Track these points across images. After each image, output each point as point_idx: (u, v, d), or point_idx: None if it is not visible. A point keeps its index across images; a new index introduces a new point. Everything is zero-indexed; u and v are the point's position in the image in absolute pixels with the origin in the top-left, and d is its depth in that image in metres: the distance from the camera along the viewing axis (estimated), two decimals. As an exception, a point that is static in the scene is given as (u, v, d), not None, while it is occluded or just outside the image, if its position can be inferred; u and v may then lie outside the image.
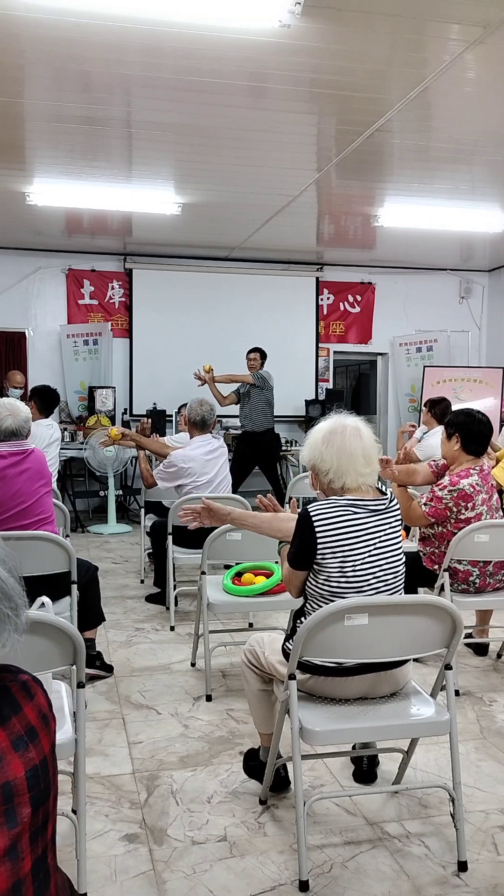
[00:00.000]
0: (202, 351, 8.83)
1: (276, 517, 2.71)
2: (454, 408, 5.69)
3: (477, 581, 3.56)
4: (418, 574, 3.66)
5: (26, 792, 0.90)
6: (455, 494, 3.51)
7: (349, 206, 6.90)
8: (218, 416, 5.47)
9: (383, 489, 2.37)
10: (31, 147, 5.32)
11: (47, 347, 8.73)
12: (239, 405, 7.75)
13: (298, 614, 2.47)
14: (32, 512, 3.36)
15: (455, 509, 3.52)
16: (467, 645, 4.08)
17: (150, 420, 5.70)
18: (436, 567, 3.64)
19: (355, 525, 2.24)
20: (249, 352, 7.68)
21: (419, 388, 8.97)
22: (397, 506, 2.38)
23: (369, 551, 2.25)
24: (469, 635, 4.04)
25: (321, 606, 2.23)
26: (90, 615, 3.64)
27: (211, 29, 3.48)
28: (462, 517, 3.53)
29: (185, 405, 5.23)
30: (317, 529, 2.23)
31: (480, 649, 4.07)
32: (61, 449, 6.61)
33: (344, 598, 2.22)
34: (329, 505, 2.26)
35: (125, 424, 8.57)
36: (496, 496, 3.68)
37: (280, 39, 3.58)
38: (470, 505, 3.52)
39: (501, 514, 3.72)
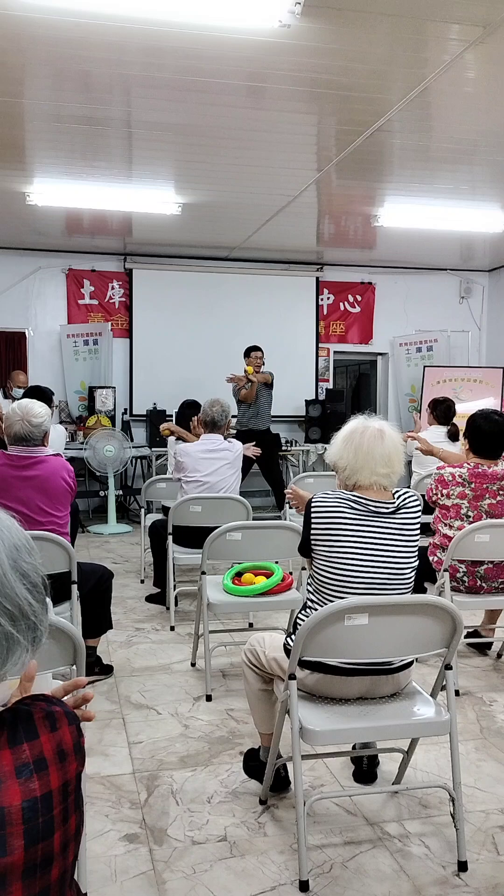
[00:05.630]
0: (202, 351, 8.85)
1: None
2: (457, 408, 5.71)
3: (488, 575, 3.55)
4: (424, 570, 3.67)
5: (20, 823, 0.85)
6: (435, 478, 3.68)
7: (349, 206, 6.90)
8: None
9: (401, 492, 2.37)
10: (31, 147, 5.32)
11: (47, 347, 8.73)
12: (242, 404, 7.72)
13: (301, 607, 2.48)
14: (35, 520, 3.20)
15: (434, 493, 3.68)
16: (470, 645, 4.07)
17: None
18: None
19: (349, 521, 2.26)
20: (255, 350, 7.65)
21: (419, 388, 8.97)
22: (406, 513, 2.32)
23: (358, 550, 2.25)
24: (476, 633, 4.04)
25: (315, 597, 2.31)
26: (100, 622, 3.61)
27: (211, 29, 3.48)
28: (440, 503, 3.67)
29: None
30: (312, 516, 2.30)
31: (482, 648, 4.06)
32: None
33: (331, 590, 2.26)
34: (331, 496, 2.31)
35: (125, 424, 8.60)
36: (498, 500, 3.61)
37: (280, 39, 3.58)
38: (446, 493, 3.61)
39: None
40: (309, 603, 2.37)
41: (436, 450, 4.57)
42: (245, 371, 7.55)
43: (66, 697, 1.26)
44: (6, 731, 0.90)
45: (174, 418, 7.20)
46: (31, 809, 0.87)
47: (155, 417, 8.27)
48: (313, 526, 2.30)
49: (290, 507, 6.31)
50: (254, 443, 4.82)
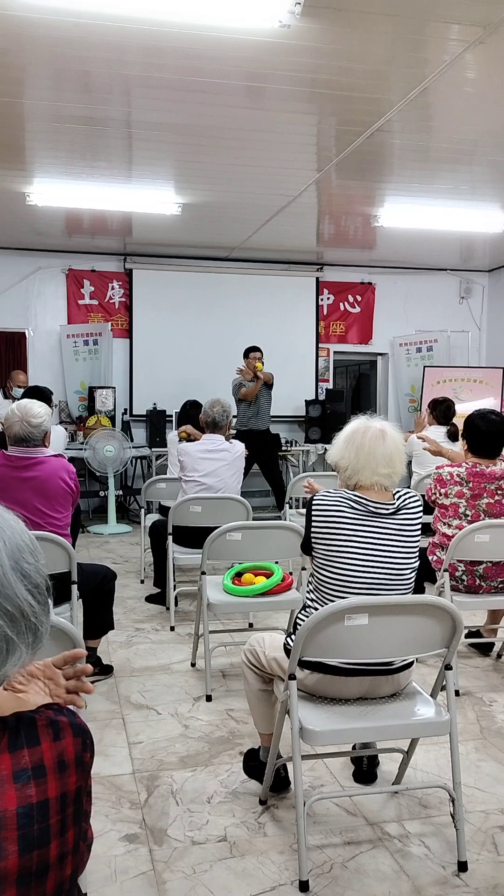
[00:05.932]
0: (202, 351, 8.85)
1: None
2: (457, 408, 5.71)
3: (487, 575, 3.55)
4: (424, 569, 3.68)
5: (14, 829, 0.85)
6: (434, 477, 3.71)
7: (349, 206, 6.90)
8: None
9: (402, 492, 2.37)
10: (31, 147, 5.32)
11: (47, 347, 8.73)
12: (241, 403, 7.73)
13: (301, 607, 2.48)
14: (33, 522, 3.17)
15: (433, 492, 3.71)
16: (472, 646, 4.07)
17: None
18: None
19: (349, 521, 2.26)
20: (254, 350, 7.66)
21: (419, 388, 8.97)
22: (406, 514, 2.33)
23: (358, 550, 2.25)
24: (477, 634, 4.04)
25: (315, 597, 2.31)
26: (101, 623, 3.60)
27: (211, 29, 3.48)
28: (439, 502, 3.68)
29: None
30: (313, 515, 2.32)
31: (484, 649, 4.06)
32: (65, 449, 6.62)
33: (331, 590, 2.26)
34: (331, 495, 2.32)
35: (125, 424, 8.59)
36: (496, 499, 3.61)
37: (280, 39, 3.58)
38: (444, 492, 3.64)
39: None
40: (309, 603, 2.37)
41: (444, 450, 4.61)
42: (254, 367, 7.60)
43: (66, 667, 1.26)
44: (8, 736, 0.90)
45: (175, 418, 7.21)
46: (26, 816, 0.86)
47: (155, 417, 8.28)
48: (314, 525, 2.31)
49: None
50: (243, 445, 4.87)
